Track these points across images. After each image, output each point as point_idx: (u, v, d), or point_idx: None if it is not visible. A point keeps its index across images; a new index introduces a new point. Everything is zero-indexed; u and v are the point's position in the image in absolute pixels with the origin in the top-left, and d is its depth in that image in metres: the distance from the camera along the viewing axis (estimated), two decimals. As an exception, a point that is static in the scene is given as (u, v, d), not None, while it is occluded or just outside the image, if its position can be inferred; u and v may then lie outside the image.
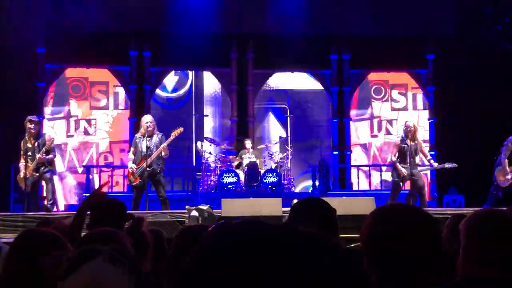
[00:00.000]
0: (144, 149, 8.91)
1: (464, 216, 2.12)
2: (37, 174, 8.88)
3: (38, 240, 2.20)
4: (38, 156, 8.75)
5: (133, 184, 9.04)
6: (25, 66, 12.33)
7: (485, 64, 12.42)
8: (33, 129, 8.92)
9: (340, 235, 2.59)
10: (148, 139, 8.92)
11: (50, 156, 8.97)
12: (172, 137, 9.29)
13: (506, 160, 9.12)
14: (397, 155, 8.85)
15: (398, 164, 8.80)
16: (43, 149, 8.81)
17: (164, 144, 8.97)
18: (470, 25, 12.94)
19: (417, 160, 8.94)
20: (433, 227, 1.63)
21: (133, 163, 9.12)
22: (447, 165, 9.31)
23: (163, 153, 9.03)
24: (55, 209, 9.63)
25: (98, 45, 12.22)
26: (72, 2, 12.31)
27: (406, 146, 8.78)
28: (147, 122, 9.00)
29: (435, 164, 9.24)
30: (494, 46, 12.58)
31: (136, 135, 9.39)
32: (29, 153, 8.90)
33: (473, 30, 12.87)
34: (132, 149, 9.33)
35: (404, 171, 8.75)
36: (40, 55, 12.60)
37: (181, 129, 9.70)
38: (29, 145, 8.92)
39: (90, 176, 12.42)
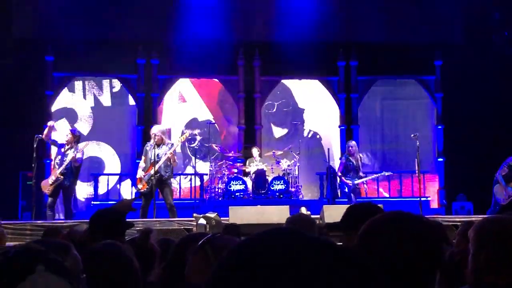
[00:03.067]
0: (153, 157, 8.96)
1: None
2: (62, 177, 9.02)
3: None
4: (71, 155, 8.95)
5: (141, 191, 9.05)
6: (34, 74, 12.40)
7: (493, 70, 12.37)
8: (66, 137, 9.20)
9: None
10: (157, 147, 8.98)
11: (78, 155, 9.05)
12: (178, 143, 9.32)
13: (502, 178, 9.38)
14: (342, 171, 10.34)
15: (344, 178, 10.28)
16: (72, 148, 9.05)
17: (171, 151, 9.00)
18: (478, 31, 12.91)
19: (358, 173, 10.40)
20: (432, 234, 1.55)
21: (142, 170, 9.18)
22: (385, 173, 11.18)
23: (172, 162, 9.06)
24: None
25: (106, 53, 12.25)
26: (81, 10, 12.35)
27: (350, 163, 10.30)
28: (153, 133, 9.08)
29: (374, 176, 11.25)
30: (502, 52, 12.54)
31: (147, 143, 9.47)
32: (58, 159, 9.17)
33: (481, 36, 12.84)
34: (143, 157, 9.40)
35: (349, 183, 10.18)
36: (49, 64, 12.66)
37: (187, 134, 9.75)
38: (62, 150, 9.18)
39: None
